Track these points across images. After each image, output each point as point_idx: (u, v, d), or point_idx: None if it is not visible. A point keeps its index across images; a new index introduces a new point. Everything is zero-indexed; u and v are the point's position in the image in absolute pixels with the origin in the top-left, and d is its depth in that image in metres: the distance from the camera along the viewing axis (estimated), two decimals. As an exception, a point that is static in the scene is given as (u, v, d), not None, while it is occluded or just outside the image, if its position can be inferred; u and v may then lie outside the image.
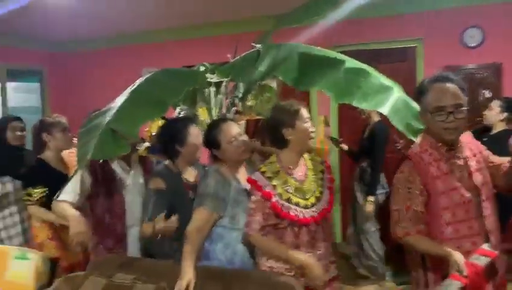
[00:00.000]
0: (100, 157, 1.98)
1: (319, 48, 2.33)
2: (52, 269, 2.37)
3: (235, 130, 2.12)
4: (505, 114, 3.24)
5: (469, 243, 1.66)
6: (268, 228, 1.91)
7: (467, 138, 1.81)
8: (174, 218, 2.02)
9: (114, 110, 1.82)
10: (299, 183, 1.96)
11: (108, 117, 1.79)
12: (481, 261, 1.57)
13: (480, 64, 4.02)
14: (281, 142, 1.97)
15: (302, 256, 1.86)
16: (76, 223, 2.15)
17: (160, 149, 2.32)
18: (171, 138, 2.19)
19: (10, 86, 5.40)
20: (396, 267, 3.66)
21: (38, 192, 2.54)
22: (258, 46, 2.41)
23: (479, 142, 1.85)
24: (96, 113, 1.94)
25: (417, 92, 1.75)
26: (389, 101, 1.95)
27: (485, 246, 1.63)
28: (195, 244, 1.94)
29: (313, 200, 1.96)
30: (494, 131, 3.28)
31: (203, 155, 2.30)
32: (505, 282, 1.78)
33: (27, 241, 2.81)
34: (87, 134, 1.81)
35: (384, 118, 3.37)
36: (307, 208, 1.92)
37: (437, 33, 4.14)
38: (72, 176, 1.87)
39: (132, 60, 5.52)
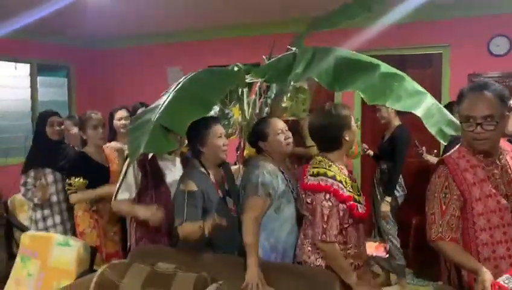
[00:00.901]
0: (152, 151, 2.09)
1: (353, 52, 2.41)
2: (92, 257, 2.51)
3: (282, 124, 2.29)
4: None
5: (504, 249, 1.70)
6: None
7: (508, 146, 1.84)
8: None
9: (162, 107, 1.93)
10: (350, 181, 2.07)
11: (157, 114, 1.90)
12: (510, 283, 1.54)
13: (505, 72, 4.05)
14: (335, 144, 2.07)
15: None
16: (154, 217, 2.26)
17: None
18: (193, 138, 2.25)
19: (39, 80, 5.59)
20: (416, 269, 3.73)
21: (79, 181, 2.66)
22: (294, 48, 2.50)
23: None
24: (144, 110, 2.05)
25: (457, 99, 1.77)
26: (423, 104, 2.02)
27: None
28: (256, 233, 2.05)
29: (359, 196, 2.08)
30: None
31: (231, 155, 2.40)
32: None
33: (67, 230, 2.95)
34: (137, 129, 1.92)
35: (405, 123, 3.53)
36: (361, 204, 2.05)
37: (464, 40, 4.19)
38: (125, 172, 1.98)
39: (157, 59, 5.69)
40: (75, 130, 3.48)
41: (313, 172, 2.03)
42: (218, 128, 2.25)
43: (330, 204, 1.95)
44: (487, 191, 1.70)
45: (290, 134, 2.32)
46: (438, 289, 2.31)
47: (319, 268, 2.02)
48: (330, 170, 2.00)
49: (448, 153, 1.84)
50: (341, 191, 1.97)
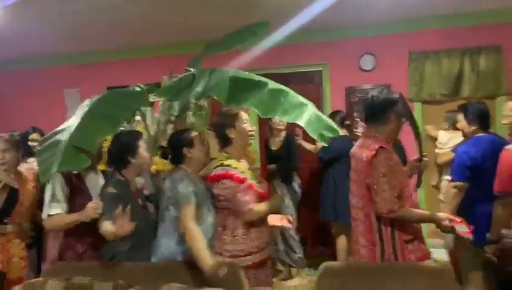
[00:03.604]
0: (66, 169, 2.16)
1: (244, 72, 2.74)
2: (1, 281, 2.46)
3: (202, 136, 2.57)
4: None
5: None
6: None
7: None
8: (129, 225, 2.18)
9: (73, 128, 2.05)
10: (250, 171, 2.42)
11: (67, 134, 2.02)
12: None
13: (374, 84, 4.74)
14: (225, 140, 2.42)
15: None
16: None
17: (110, 159, 2.50)
18: (123, 149, 2.37)
19: None
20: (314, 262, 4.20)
21: None
22: (192, 70, 2.76)
23: None
24: (52, 132, 2.14)
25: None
26: (305, 115, 2.39)
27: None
28: (200, 237, 2.19)
29: (258, 181, 2.44)
30: None
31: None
32: None
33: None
34: (47, 151, 2.02)
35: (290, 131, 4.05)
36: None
37: (339, 59, 4.82)
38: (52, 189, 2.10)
39: (52, 82, 5.56)
40: None
41: (214, 166, 2.37)
42: (143, 141, 2.45)
43: (232, 185, 2.30)
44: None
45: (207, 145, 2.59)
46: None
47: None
48: (227, 161, 2.35)
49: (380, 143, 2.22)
50: (237, 175, 2.31)
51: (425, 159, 2.52)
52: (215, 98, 2.50)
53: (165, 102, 2.91)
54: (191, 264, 2.28)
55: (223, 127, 2.43)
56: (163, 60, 4.25)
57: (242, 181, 2.32)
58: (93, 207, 2.21)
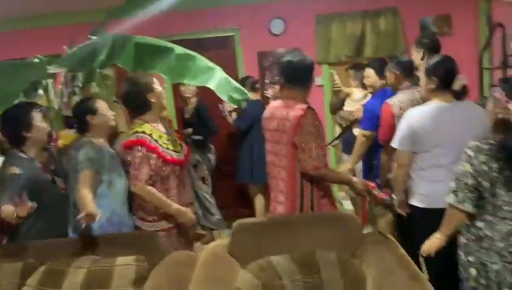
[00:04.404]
0: None
1: (149, 37, 2.68)
2: None
3: (105, 103, 2.48)
4: None
5: None
6: (154, 177, 2.30)
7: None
8: (29, 204, 2.09)
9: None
10: (167, 135, 2.41)
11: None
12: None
13: (285, 49, 4.86)
14: (144, 107, 2.38)
15: (176, 205, 2.34)
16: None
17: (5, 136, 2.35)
18: (15, 125, 2.26)
19: None
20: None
21: None
22: (94, 37, 2.64)
23: None
24: None
25: None
26: (214, 78, 2.43)
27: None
28: (90, 203, 2.17)
29: (178, 147, 2.45)
30: None
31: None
32: None
33: None
34: None
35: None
36: (178, 153, 2.40)
37: (250, 24, 4.84)
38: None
39: None
40: None
41: (128, 133, 2.36)
42: (38, 113, 2.33)
43: (141, 154, 2.28)
44: None
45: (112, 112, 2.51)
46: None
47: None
48: (141, 128, 2.33)
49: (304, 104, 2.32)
50: (148, 142, 2.29)
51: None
52: (120, 65, 2.44)
53: (67, 73, 2.78)
54: (106, 237, 2.27)
55: (141, 93, 2.35)
56: (63, 30, 3.99)
57: (153, 149, 2.31)
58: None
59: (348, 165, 3.29)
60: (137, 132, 2.31)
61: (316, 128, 2.27)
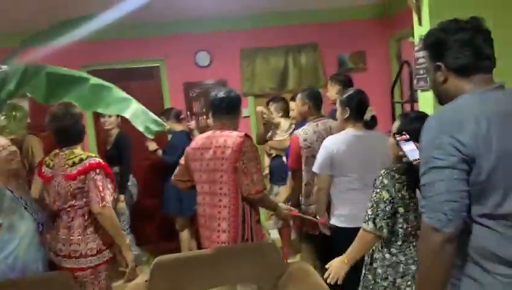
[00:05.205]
0: None
1: (64, 68, 2.57)
2: None
3: (4, 140, 2.28)
4: None
5: None
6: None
7: None
8: None
9: None
10: None
11: None
12: None
13: (211, 80, 4.93)
14: (81, 137, 2.43)
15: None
16: None
17: None
18: None
19: None
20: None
21: None
22: (4, 66, 2.49)
23: None
24: None
25: None
26: (130, 109, 2.38)
27: None
28: None
29: None
30: None
31: None
32: None
33: None
34: None
35: (125, 130, 3.91)
36: None
37: (176, 54, 4.85)
38: None
39: None
40: None
41: (73, 162, 2.28)
42: None
43: (101, 176, 2.28)
44: None
45: (13, 149, 2.30)
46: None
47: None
48: (87, 154, 2.34)
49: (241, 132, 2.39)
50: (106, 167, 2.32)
51: None
52: (30, 95, 2.32)
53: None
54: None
55: (78, 123, 2.36)
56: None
57: (110, 174, 2.33)
58: None
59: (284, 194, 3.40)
60: (89, 157, 2.31)
61: (255, 154, 2.37)
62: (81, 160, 2.28)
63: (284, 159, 3.74)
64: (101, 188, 2.24)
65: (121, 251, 2.35)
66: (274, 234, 4.21)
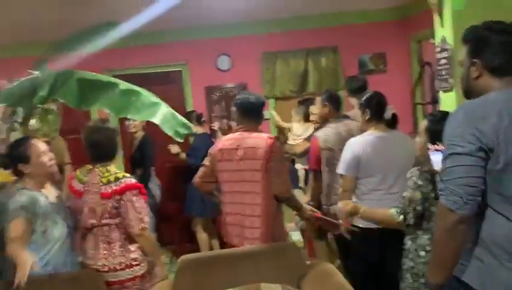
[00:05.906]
0: None
1: (92, 73, 2.67)
2: None
3: (43, 145, 2.30)
4: None
5: None
6: None
7: None
8: None
9: None
10: None
11: None
12: None
13: (232, 84, 5.00)
14: (112, 154, 2.39)
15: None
16: None
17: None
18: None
19: None
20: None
21: None
22: (36, 72, 2.61)
23: None
24: None
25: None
26: (159, 113, 2.45)
27: None
28: (21, 253, 2.08)
29: None
30: None
31: None
32: None
33: None
34: None
35: (149, 133, 4.00)
36: None
37: (197, 59, 4.94)
38: None
39: None
40: None
41: (108, 180, 2.25)
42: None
43: (137, 197, 2.27)
44: None
45: (52, 154, 2.35)
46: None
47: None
48: (122, 174, 2.30)
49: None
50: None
51: None
52: (62, 101, 2.42)
53: (6, 108, 2.70)
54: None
55: (112, 140, 2.36)
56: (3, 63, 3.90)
57: (144, 196, 2.32)
58: None
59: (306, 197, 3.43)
60: (125, 176, 2.29)
61: (283, 155, 2.48)
62: (117, 179, 2.25)
63: (297, 165, 3.78)
64: (138, 210, 2.24)
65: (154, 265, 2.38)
66: (294, 236, 4.25)
